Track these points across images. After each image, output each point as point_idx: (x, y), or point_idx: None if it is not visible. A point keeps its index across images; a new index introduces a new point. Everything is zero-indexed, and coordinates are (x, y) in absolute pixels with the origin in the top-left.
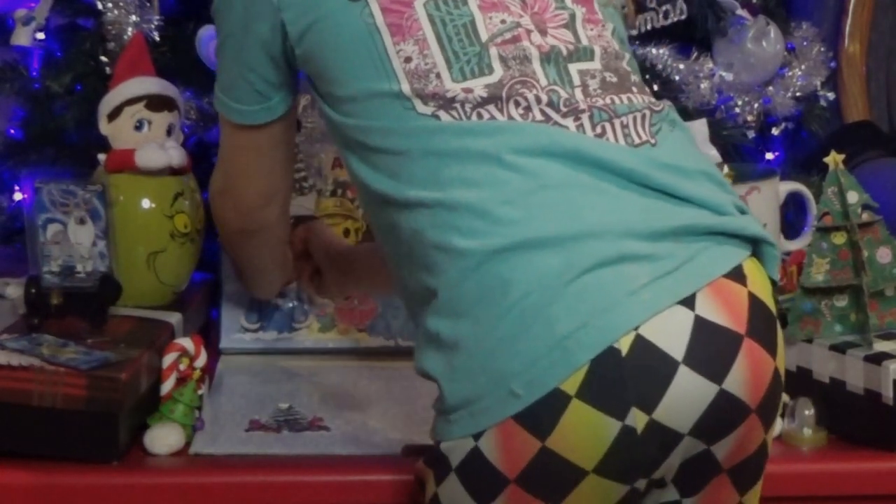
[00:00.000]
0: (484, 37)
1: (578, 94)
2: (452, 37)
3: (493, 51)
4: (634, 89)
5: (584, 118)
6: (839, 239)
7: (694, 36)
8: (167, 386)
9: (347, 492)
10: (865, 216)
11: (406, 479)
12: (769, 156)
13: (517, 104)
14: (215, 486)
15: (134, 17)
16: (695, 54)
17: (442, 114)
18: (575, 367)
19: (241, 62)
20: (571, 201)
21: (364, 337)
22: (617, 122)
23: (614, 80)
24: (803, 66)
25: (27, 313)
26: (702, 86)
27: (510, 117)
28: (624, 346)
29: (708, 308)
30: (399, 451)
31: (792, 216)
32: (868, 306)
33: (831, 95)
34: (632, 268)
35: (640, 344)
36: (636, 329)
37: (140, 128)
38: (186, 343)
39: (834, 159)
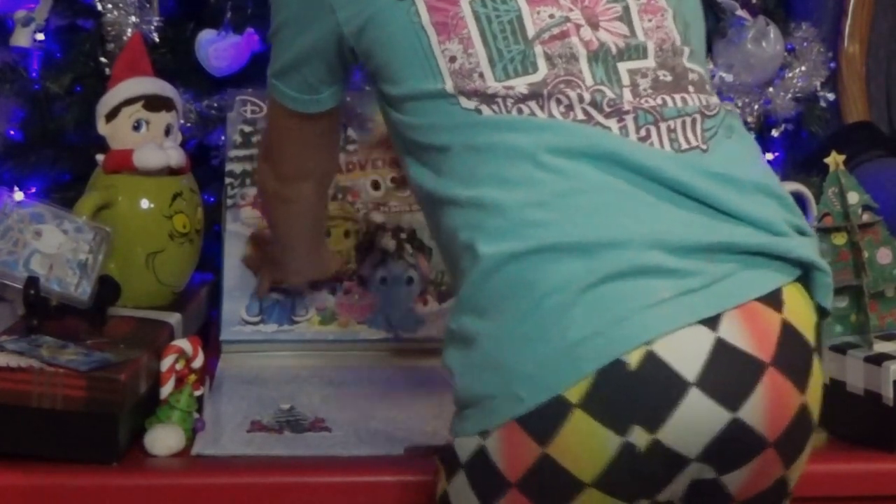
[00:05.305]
0: (530, 33)
1: (627, 93)
2: (497, 35)
3: (539, 49)
4: (691, 88)
5: (629, 119)
6: (839, 240)
7: None
8: (167, 389)
9: (350, 493)
10: (866, 217)
11: (407, 479)
12: (769, 156)
13: (559, 102)
14: (216, 487)
15: (133, 19)
16: None
17: (483, 108)
18: (580, 376)
19: (294, 55)
20: (605, 207)
21: (364, 329)
22: (663, 126)
23: (668, 78)
24: (803, 67)
25: (26, 315)
26: None
27: (551, 115)
28: (633, 360)
29: (732, 331)
30: (401, 451)
31: None
32: (868, 307)
33: (831, 96)
34: (655, 282)
35: (651, 360)
36: (648, 344)
37: (138, 128)
38: (184, 344)
39: (834, 160)
